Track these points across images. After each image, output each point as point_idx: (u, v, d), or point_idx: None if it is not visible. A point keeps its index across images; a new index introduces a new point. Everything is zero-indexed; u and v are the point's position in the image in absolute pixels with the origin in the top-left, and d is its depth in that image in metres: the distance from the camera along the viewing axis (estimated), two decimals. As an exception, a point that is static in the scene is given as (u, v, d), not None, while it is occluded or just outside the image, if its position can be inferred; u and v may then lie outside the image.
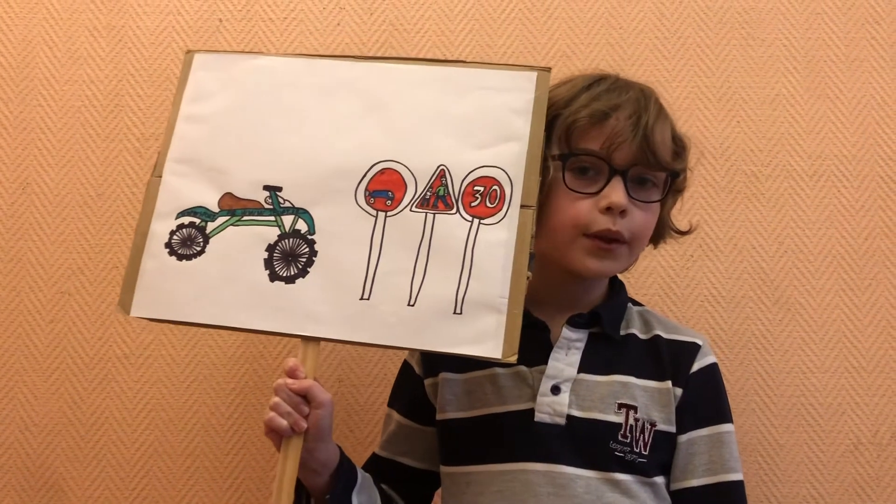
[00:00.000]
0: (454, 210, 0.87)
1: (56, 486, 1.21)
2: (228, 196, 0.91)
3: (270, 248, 0.89)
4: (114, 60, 1.27)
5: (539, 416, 0.90)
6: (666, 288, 1.24)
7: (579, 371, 0.92)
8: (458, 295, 0.84)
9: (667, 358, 0.94)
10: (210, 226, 0.91)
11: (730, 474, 0.92)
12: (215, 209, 0.91)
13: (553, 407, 0.90)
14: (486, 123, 0.89)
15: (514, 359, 0.81)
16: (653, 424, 0.91)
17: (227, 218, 0.91)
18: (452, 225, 0.86)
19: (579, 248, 0.91)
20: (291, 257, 0.88)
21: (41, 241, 1.24)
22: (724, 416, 0.95)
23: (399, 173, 0.89)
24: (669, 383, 0.93)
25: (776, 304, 1.24)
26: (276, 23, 1.28)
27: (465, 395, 0.95)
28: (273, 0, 1.28)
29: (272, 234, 0.89)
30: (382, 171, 0.89)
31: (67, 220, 1.25)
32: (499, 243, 0.85)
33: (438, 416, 0.97)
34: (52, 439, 1.21)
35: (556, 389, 0.91)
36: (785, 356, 1.23)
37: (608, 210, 0.89)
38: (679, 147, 0.96)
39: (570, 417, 0.90)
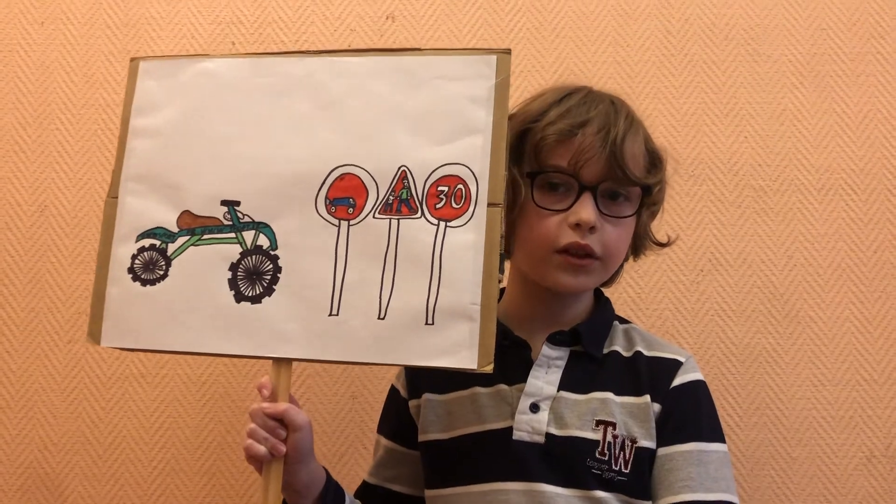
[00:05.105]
0: (419, 214, 0.83)
1: (74, 505, 1.22)
2: (186, 214, 0.88)
3: (234, 268, 0.86)
4: (129, 84, 1.30)
5: (517, 435, 0.89)
6: (676, 303, 1.25)
7: (559, 389, 0.90)
8: (428, 304, 0.80)
9: (645, 374, 0.92)
10: (171, 247, 0.87)
11: (710, 494, 0.86)
12: (174, 229, 0.88)
13: (531, 425, 0.89)
14: (445, 116, 0.84)
15: (490, 368, 0.79)
16: (633, 441, 0.88)
17: (188, 238, 0.87)
18: (418, 230, 0.82)
19: (552, 264, 0.89)
20: (256, 275, 0.85)
21: (59, 263, 1.26)
22: (708, 434, 0.90)
23: (359, 178, 0.85)
24: (647, 398, 0.90)
25: (786, 318, 1.25)
26: (288, 45, 1.30)
27: (447, 416, 0.94)
28: (284, 24, 1.31)
29: (234, 252, 0.86)
30: (341, 176, 0.85)
31: (85, 242, 1.26)
32: (467, 246, 0.81)
33: (420, 438, 0.95)
34: (71, 458, 1.23)
35: (534, 407, 0.89)
36: (796, 369, 1.24)
37: (577, 226, 0.87)
38: (653, 160, 0.94)
39: (548, 436, 0.88)
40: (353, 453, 1.22)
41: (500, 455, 0.89)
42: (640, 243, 0.98)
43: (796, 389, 1.23)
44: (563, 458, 0.88)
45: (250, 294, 0.84)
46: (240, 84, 0.89)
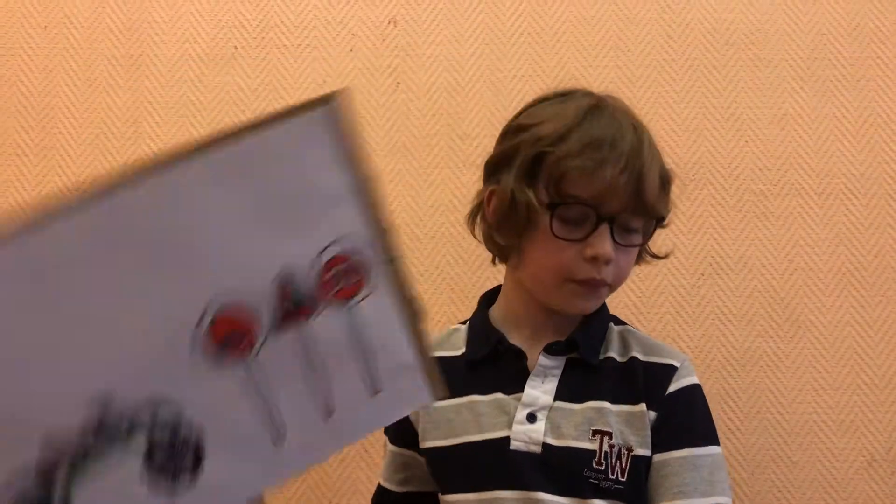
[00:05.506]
0: (320, 308, 0.72)
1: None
2: (46, 440, 0.66)
3: (145, 473, 0.69)
4: (132, 88, 1.30)
5: (514, 444, 0.89)
6: (677, 306, 1.25)
7: (556, 398, 0.90)
8: (370, 379, 0.76)
9: (641, 381, 0.92)
10: (55, 492, 0.67)
11: (705, 498, 0.87)
12: (39, 472, 0.66)
13: (529, 435, 0.89)
14: (299, 198, 0.70)
15: (444, 395, 0.77)
16: (629, 449, 0.88)
17: (67, 473, 0.67)
18: (327, 324, 0.73)
19: (564, 290, 0.89)
20: (176, 459, 0.69)
21: (61, 266, 1.27)
22: (702, 438, 0.91)
23: (236, 308, 0.70)
24: (644, 406, 0.90)
25: (787, 322, 1.25)
26: (290, 49, 1.31)
27: (446, 423, 0.94)
28: (287, 28, 1.31)
29: (134, 459, 0.68)
30: (214, 320, 0.69)
31: (87, 245, 1.27)
32: (382, 312, 0.74)
33: (421, 445, 0.96)
34: (72, 461, 1.23)
35: (531, 417, 0.89)
36: (797, 373, 1.24)
37: (593, 259, 0.87)
38: (665, 185, 0.93)
39: (545, 446, 0.88)
40: (353, 456, 1.23)
41: (497, 464, 0.89)
42: (638, 256, 0.97)
43: (797, 393, 1.23)
44: (561, 468, 0.88)
45: (183, 479, 0.71)
46: (33, 268, 0.63)
